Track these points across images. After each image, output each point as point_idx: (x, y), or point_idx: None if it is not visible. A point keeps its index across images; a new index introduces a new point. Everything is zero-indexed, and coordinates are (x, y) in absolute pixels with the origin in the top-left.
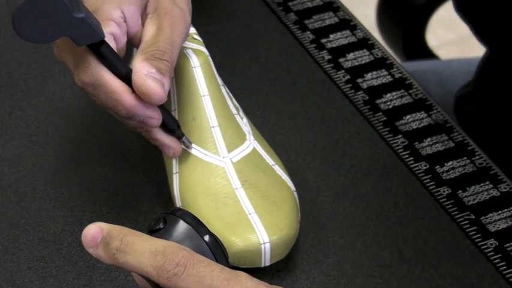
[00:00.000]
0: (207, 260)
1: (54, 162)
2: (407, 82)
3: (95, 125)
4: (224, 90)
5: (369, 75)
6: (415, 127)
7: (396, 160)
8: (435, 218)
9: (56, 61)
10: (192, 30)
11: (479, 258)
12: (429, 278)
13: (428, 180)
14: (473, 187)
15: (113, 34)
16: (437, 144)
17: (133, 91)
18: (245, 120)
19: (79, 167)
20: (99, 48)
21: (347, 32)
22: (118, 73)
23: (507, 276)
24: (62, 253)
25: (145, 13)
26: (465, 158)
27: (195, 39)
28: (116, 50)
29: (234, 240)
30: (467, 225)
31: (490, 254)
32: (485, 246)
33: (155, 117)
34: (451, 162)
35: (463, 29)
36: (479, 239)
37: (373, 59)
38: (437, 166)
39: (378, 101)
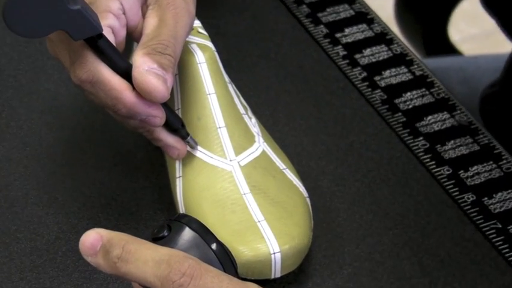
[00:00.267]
0: (214, 270)
1: (47, 165)
2: (428, 80)
3: (91, 125)
4: (231, 88)
5: (387, 73)
6: (437, 129)
7: (416, 164)
8: (459, 227)
9: (50, 56)
10: (197, 23)
11: (507, 271)
12: None
13: (451, 186)
14: (500, 194)
15: (111, 27)
16: (461, 148)
17: (134, 88)
18: (254, 120)
19: (74, 170)
20: (96, 43)
21: (363, 26)
22: (117, 69)
23: None
24: (56, 263)
25: (145, 4)
26: (491, 162)
27: (200, 33)
28: (114, 44)
29: (242, 250)
30: (494, 235)
31: None
32: None
33: (158, 115)
34: (476, 167)
35: (487, 22)
36: (507, 250)
37: (391, 55)
38: (461, 171)
39: (396, 101)
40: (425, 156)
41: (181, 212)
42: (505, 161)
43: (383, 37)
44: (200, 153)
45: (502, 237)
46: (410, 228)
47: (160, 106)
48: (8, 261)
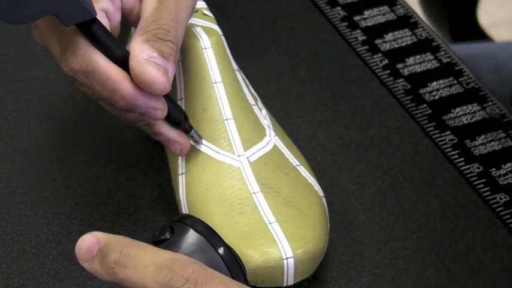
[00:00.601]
0: (221, 275)
1: (36, 160)
2: (456, 68)
3: (84, 116)
4: (240, 76)
5: (411, 60)
6: (466, 122)
7: (443, 161)
8: (490, 231)
9: None
10: (202, 4)
11: None
12: None
13: (482, 186)
14: None
15: (104, 10)
16: (493, 143)
17: (132, 78)
18: (264, 112)
19: (66, 166)
20: (90, 28)
21: (385, 8)
22: (113, 57)
23: None
24: (46, 268)
25: None
26: None
27: (205, 15)
28: (109, 29)
29: (251, 255)
30: None
31: None
32: None
33: (159, 107)
34: (509, 164)
35: None
36: None
37: (415, 40)
38: (493, 169)
39: (421, 91)
40: (453, 152)
41: (184, 212)
42: None
43: (406, 20)
44: (205, 147)
45: None
46: (437, 231)
47: (161, 97)
48: None
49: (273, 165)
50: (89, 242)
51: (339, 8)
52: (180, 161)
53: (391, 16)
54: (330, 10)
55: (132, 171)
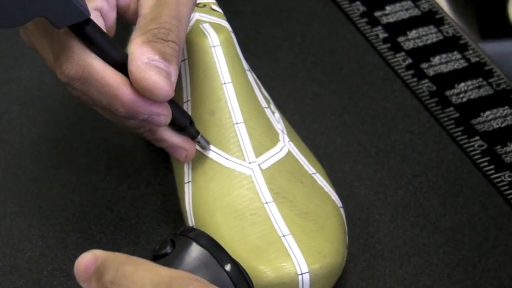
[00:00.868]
0: None
1: (30, 167)
2: (486, 68)
3: (82, 120)
4: (251, 76)
5: (436, 59)
6: (496, 126)
7: (472, 169)
8: None
9: None
10: None
11: None
12: None
13: None
14: None
15: (98, 9)
16: None
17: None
18: (277, 115)
19: (62, 173)
20: (84, 30)
21: (408, 3)
22: (111, 60)
23: None
24: (41, 284)
25: None
26: None
27: (213, 10)
28: (104, 30)
29: (263, 270)
30: None
31: None
32: None
33: (163, 113)
34: None
35: None
36: None
37: (441, 38)
38: None
39: (448, 93)
40: (482, 160)
41: (190, 224)
42: None
43: (432, 16)
44: (213, 154)
45: None
46: (465, 245)
47: (165, 102)
48: None
49: (287, 173)
50: (87, 260)
51: (358, 2)
52: (186, 169)
53: (415, 12)
54: (349, 5)
55: (134, 180)
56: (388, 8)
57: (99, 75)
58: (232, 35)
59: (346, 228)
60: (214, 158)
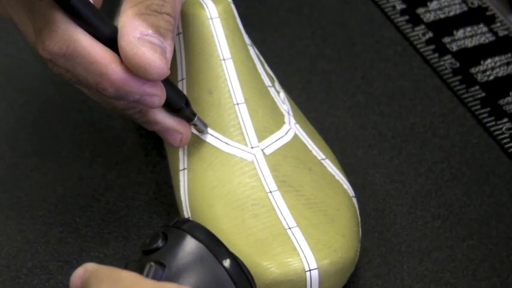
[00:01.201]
0: None
1: (8, 154)
2: None
3: (65, 101)
4: (253, 52)
5: (460, 33)
6: None
7: (500, 154)
8: None
9: None
10: None
11: None
12: None
13: None
14: None
15: None
16: None
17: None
18: (282, 95)
19: (43, 161)
20: (69, 1)
21: None
22: (99, 35)
23: None
24: (20, 283)
25: None
26: None
27: None
28: (91, 1)
29: (267, 266)
30: None
31: None
32: None
33: (156, 94)
34: None
35: None
36: None
37: (466, 9)
38: None
39: (473, 70)
40: (511, 144)
41: (185, 216)
42: None
43: None
44: (211, 138)
45: None
46: (491, 239)
47: (158, 81)
48: None
49: (293, 159)
50: (77, 276)
51: None
52: (181, 155)
53: None
54: None
55: (123, 167)
56: None
57: (86, 52)
58: (232, 5)
59: (360, 220)
60: (212, 143)
